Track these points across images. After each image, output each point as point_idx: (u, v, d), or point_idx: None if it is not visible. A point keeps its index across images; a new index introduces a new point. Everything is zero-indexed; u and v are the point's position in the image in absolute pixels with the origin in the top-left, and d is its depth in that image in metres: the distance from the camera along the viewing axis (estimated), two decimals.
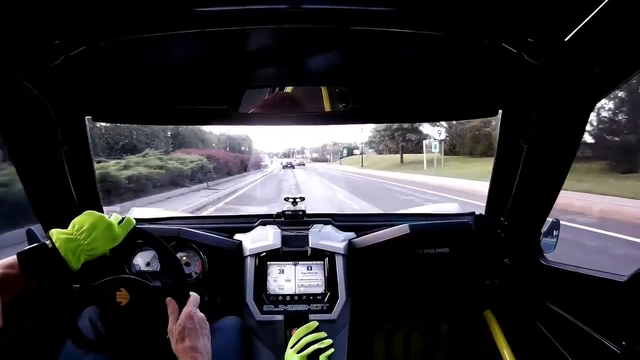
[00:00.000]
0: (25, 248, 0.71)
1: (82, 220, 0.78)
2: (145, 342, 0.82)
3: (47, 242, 0.73)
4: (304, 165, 40.94)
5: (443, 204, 1.69)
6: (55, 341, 0.89)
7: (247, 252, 1.23)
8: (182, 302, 0.80)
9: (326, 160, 60.24)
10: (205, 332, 0.80)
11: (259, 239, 1.27)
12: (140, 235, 0.94)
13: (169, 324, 0.77)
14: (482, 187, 5.04)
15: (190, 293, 0.84)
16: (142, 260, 1.18)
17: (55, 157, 1.02)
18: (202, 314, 0.82)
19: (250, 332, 1.10)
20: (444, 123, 20.11)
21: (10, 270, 0.68)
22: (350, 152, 49.54)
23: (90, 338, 0.86)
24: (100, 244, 0.78)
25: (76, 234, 0.75)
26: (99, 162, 7.98)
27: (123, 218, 0.84)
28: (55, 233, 0.74)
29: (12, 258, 0.70)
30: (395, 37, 0.82)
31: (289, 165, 31.41)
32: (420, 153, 21.23)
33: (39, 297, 0.75)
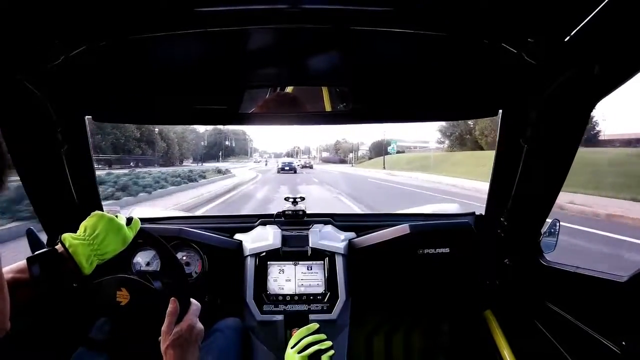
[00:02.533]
0: (36, 253, 0.70)
1: (94, 224, 0.77)
2: (145, 342, 0.82)
3: (58, 246, 0.72)
4: (311, 167, 31.32)
5: (443, 204, 1.69)
6: (63, 344, 0.89)
7: (247, 252, 1.23)
8: (181, 302, 0.80)
9: (344, 162, 48.07)
10: (198, 344, 0.78)
11: (259, 239, 1.27)
12: (141, 235, 0.94)
13: (164, 324, 0.76)
14: None
15: (192, 302, 0.82)
16: (142, 260, 1.18)
17: (55, 157, 1.02)
18: (201, 326, 0.80)
19: (251, 332, 1.10)
20: None
21: (20, 275, 0.68)
22: (385, 150, 38.25)
23: (101, 339, 0.86)
24: (112, 248, 0.78)
25: (89, 239, 0.74)
26: None
27: (129, 219, 0.84)
28: (69, 238, 0.73)
29: (22, 263, 0.69)
30: (395, 37, 0.82)
31: (286, 168, 22.22)
32: None
33: (44, 300, 0.74)
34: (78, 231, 0.76)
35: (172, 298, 0.78)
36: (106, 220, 0.78)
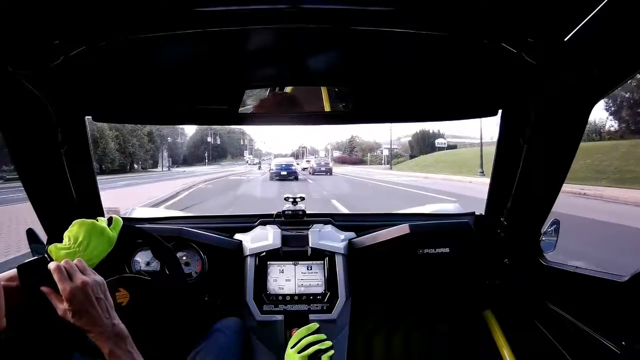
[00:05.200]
0: (26, 261, 0.70)
1: (76, 232, 0.77)
2: (146, 341, 0.82)
3: (46, 255, 0.73)
4: (328, 173, 18.78)
5: (443, 204, 1.69)
6: (59, 350, 0.89)
7: (247, 252, 1.23)
8: (180, 302, 0.79)
9: (363, 162, 36.96)
10: (98, 297, 0.65)
11: (259, 239, 1.27)
12: (140, 235, 0.94)
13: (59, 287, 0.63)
14: None
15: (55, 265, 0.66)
16: (142, 260, 1.18)
17: (55, 157, 1.02)
18: (96, 278, 0.67)
19: (251, 332, 1.10)
20: None
21: (10, 282, 0.68)
22: (430, 145, 27.09)
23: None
24: (98, 251, 0.78)
25: (74, 247, 0.75)
26: None
27: (109, 219, 0.84)
28: (54, 250, 0.74)
29: (12, 271, 0.69)
30: (395, 37, 0.82)
31: (283, 173, 14.65)
32: None
33: (39, 307, 0.74)
34: (63, 241, 0.76)
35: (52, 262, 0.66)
36: (87, 226, 0.78)
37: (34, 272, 0.68)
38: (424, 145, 31.66)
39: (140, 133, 25.37)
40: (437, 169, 21.12)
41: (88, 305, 0.63)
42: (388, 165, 30.70)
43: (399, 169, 26.23)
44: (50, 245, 0.74)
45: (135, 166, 26.56)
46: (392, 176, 19.32)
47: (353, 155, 43.44)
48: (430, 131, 32.78)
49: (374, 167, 31.42)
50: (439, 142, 30.02)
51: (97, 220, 0.81)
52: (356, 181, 16.07)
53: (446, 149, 28.48)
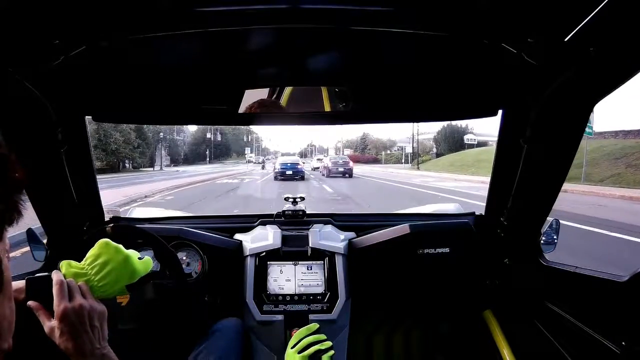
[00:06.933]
0: (35, 276, 0.67)
1: (97, 253, 0.71)
2: (146, 341, 0.82)
3: (55, 272, 0.68)
4: (346, 174, 15.81)
5: (443, 204, 1.69)
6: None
7: (247, 252, 1.23)
8: (181, 302, 0.79)
9: (377, 161, 32.61)
10: (92, 325, 0.63)
11: (259, 239, 1.27)
12: (141, 235, 0.94)
13: (54, 302, 0.61)
14: None
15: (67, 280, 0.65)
16: None
17: (55, 157, 1.02)
18: (98, 306, 0.65)
19: (251, 332, 1.10)
20: None
21: (18, 294, 0.65)
22: (459, 142, 24.07)
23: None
24: (113, 279, 0.71)
25: (87, 268, 0.70)
26: None
27: (141, 257, 0.78)
28: (65, 265, 0.69)
29: (22, 282, 0.66)
30: (395, 37, 0.82)
31: (288, 172, 13.82)
32: None
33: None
34: (83, 260, 0.72)
35: (54, 272, 0.64)
36: (109, 249, 0.72)
37: (42, 289, 0.64)
38: (453, 142, 28.32)
39: (126, 128, 21.89)
40: (484, 170, 16.03)
41: (80, 330, 0.61)
42: (410, 165, 26.87)
43: (427, 169, 22.29)
44: (64, 261, 0.71)
45: (127, 165, 23.79)
46: (429, 178, 15.67)
47: (366, 153, 40.27)
48: (460, 126, 29.24)
49: (394, 167, 28.07)
50: (468, 138, 26.99)
51: (123, 248, 0.73)
52: (405, 191, 11.23)
53: (475, 147, 25.58)
